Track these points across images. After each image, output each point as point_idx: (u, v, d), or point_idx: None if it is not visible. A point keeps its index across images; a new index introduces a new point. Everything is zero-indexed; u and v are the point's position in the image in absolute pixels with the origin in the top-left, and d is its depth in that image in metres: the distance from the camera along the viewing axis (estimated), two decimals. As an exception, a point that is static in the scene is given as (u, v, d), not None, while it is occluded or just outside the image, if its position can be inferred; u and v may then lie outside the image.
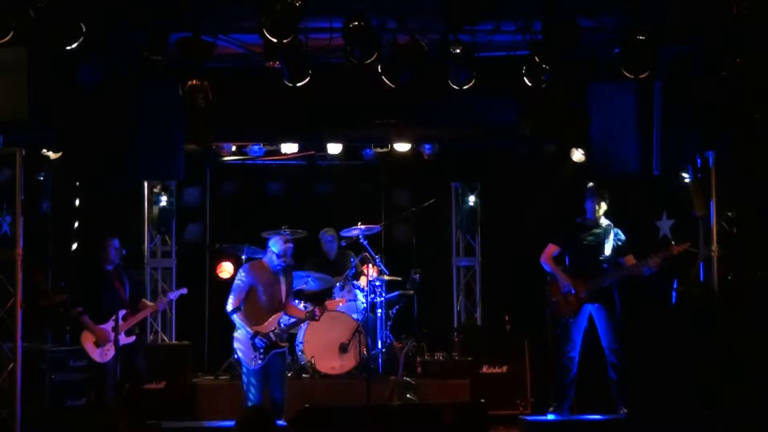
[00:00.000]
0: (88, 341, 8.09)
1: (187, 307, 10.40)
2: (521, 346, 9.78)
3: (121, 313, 8.06)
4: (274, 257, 8.00)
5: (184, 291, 8.76)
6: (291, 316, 8.31)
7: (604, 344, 8.32)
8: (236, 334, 8.00)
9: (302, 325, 9.17)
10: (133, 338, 8.17)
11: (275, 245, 8.01)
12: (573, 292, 8.24)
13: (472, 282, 11.05)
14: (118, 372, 7.97)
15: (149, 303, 8.56)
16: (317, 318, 8.35)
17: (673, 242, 8.21)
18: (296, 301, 9.08)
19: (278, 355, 7.97)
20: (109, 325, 8.02)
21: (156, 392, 8.94)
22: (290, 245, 8.05)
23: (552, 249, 8.46)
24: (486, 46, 7.67)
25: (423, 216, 10.27)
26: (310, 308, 8.68)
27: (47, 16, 6.66)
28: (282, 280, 8.06)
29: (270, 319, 7.96)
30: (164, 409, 8.76)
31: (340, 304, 9.26)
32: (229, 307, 7.93)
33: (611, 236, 8.34)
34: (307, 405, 7.56)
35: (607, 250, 8.31)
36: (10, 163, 7.73)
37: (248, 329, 7.87)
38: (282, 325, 8.09)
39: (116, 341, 7.89)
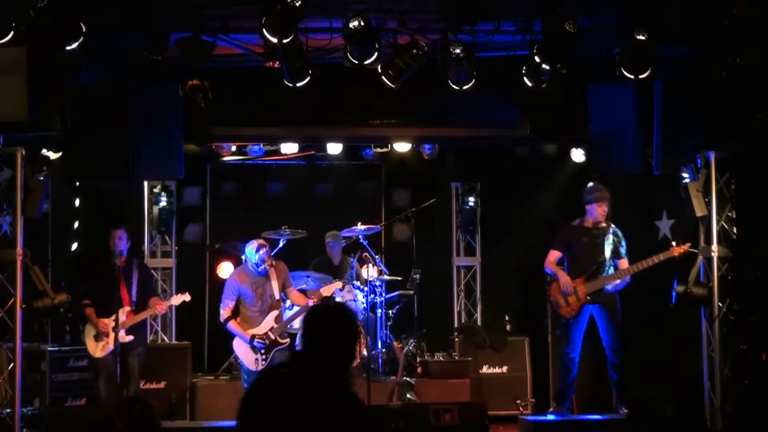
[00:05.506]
0: (89, 335, 8.09)
1: (187, 308, 10.35)
2: (521, 346, 9.78)
3: (124, 310, 8.04)
4: (255, 265, 8.02)
5: (187, 297, 8.55)
6: (293, 304, 8.35)
7: (605, 344, 8.32)
8: (235, 342, 8.02)
9: (302, 323, 9.14)
10: (132, 338, 8.15)
11: (251, 255, 8.03)
12: (573, 293, 8.24)
13: (472, 282, 11.04)
14: (117, 372, 7.93)
15: (160, 302, 8.45)
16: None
17: (673, 243, 8.21)
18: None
19: (280, 352, 7.99)
20: (109, 320, 8.02)
21: (156, 392, 8.93)
22: (265, 250, 8.04)
23: (554, 255, 8.48)
24: (486, 46, 7.66)
25: (423, 216, 10.27)
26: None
27: (47, 16, 6.65)
28: (271, 277, 8.07)
29: (265, 320, 7.97)
30: (164, 409, 8.75)
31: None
32: (222, 318, 8.02)
33: (611, 237, 8.34)
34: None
35: (607, 251, 8.31)
36: (10, 163, 7.73)
37: (244, 336, 7.89)
38: (282, 318, 8.10)
39: (116, 339, 7.87)
